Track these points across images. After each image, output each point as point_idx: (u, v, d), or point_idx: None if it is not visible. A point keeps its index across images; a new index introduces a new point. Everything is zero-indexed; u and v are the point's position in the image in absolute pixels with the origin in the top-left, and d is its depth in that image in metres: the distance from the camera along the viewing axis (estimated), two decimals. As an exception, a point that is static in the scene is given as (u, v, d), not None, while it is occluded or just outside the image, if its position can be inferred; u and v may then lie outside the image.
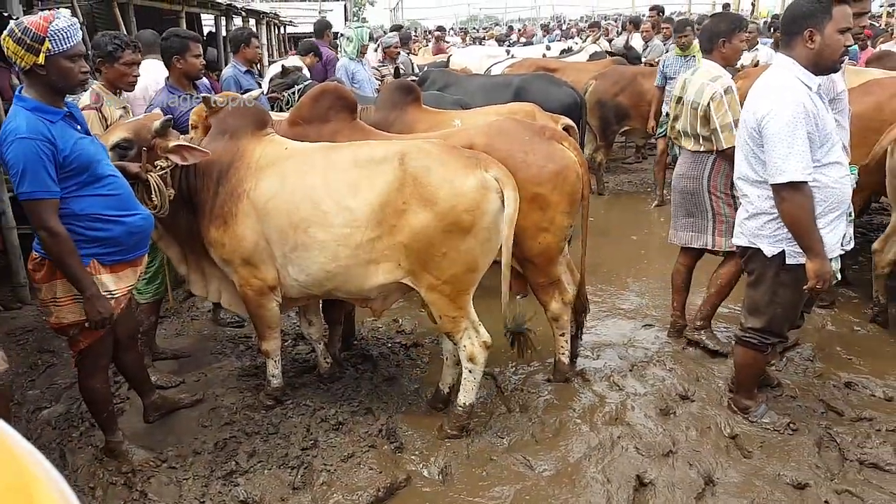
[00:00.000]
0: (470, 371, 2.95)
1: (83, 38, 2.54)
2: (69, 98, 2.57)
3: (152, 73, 4.17)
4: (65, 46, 2.35)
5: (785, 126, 2.48)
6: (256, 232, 2.95)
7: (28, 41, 2.32)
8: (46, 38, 2.32)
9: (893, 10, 15.88)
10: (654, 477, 2.66)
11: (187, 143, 2.93)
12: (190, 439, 3.02)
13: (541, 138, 3.13)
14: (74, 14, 6.11)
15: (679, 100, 3.73)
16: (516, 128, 3.19)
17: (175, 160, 2.91)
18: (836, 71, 2.62)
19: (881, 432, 2.90)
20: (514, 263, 3.01)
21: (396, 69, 6.18)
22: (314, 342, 3.56)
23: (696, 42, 6.00)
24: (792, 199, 2.51)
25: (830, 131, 2.57)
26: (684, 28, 6.54)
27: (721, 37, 3.53)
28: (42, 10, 5.33)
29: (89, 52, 3.30)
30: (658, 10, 9.91)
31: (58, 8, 6.33)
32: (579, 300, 3.47)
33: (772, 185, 2.56)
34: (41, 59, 2.33)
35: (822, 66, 2.57)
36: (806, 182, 2.50)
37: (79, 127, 2.52)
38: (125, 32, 5.62)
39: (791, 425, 2.92)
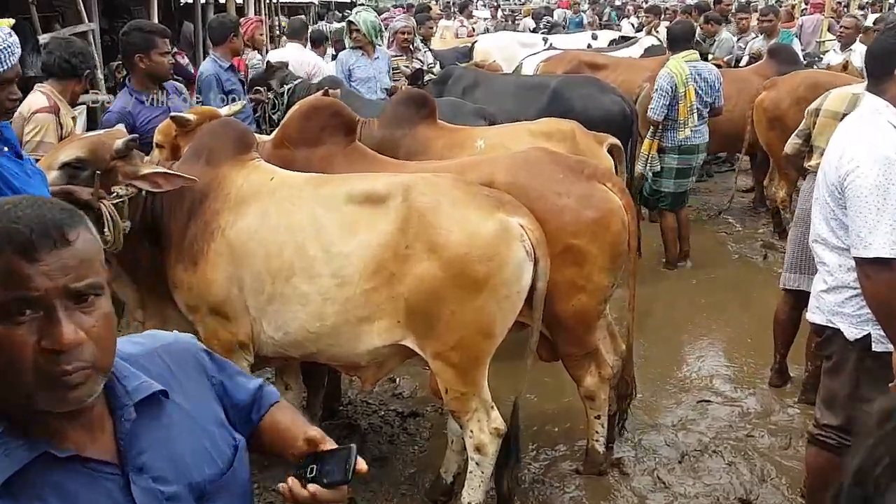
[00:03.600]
0: (477, 464, 2.97)
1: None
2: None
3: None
4: None
5: (874, 188, 2.50)
6: (229, 276, 3.00)
7: None
8: None
9: None
10: None
11: (165, 170, 2.99)
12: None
13: (578, 177, 3.17)
14: None
15: (816, 112, 3.73)
16: (548, 162, 3.23)
17: (144, 187, 2.97)
18: None
19: None
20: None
21: (417, 72, 6.17)
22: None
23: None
24: (878, 277, 2.52)
25: None
26: (768, 13, 6.59)
27: None
28: None
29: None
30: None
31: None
32: (623, 380, 3.49)
33: (854, 258, 2.57)
34: None
35: None
36: None
37: (5, 149, 2.59)
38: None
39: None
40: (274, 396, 1.52)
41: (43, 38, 6.19)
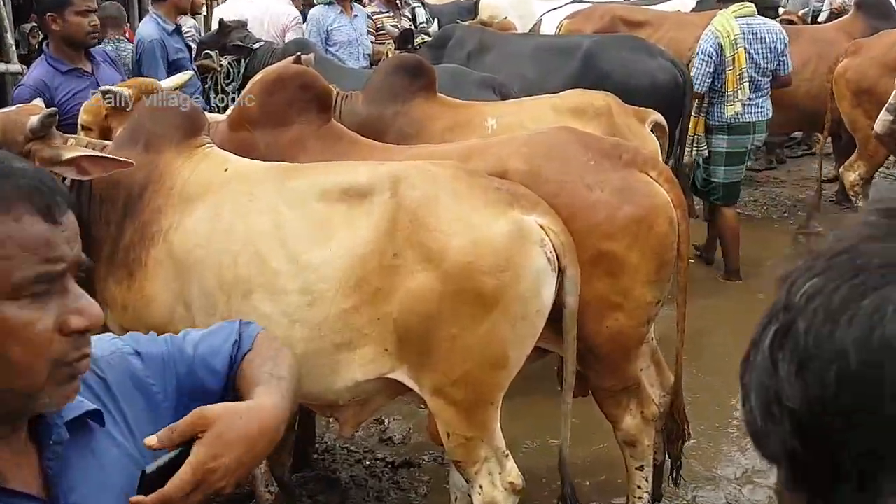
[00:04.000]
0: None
1: None
2: None
3: None
4: None
5: None
6: (173, 293, 3.01)
7: None
8: None
9: None
10: None
11: (93, 152, 2.98)
12: None
13: (613, 164, 3.17)
14: None
15: None
16: (575, 145, 3.24)
17: (66, 175, 2.97)
18: None
19: None
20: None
21: (407, 33, 6.18)
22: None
23: None
24: None
25: None
26: None
27: None
28: None
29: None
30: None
31: None
32: (673, 420, 3.48)
33: None
34: None
35: None
36: None
37: None
38: None
39: None
40: (245, 344, 1.47)
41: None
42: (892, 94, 4.36)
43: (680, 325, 3.44)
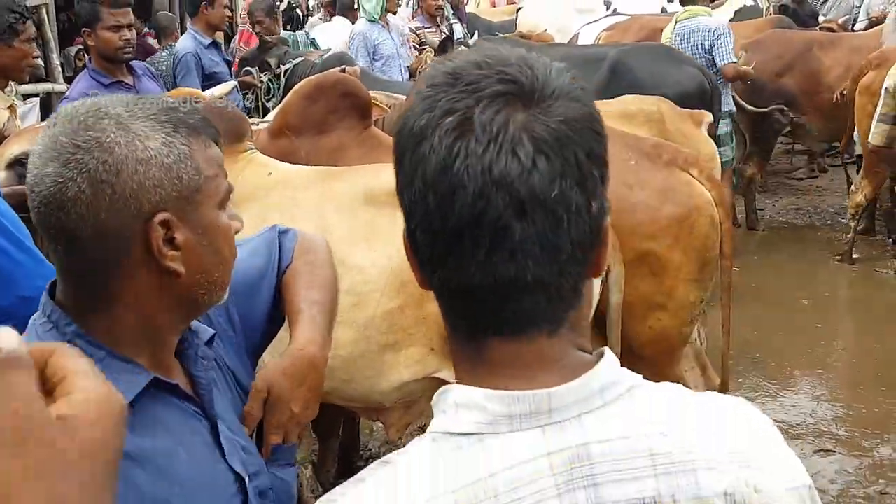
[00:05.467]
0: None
1: None
2: None
3: None
4: None
5: None
6: (218, 297, 3.06)
7: None
8: None
9: None
10: None
11: None
12: None
13: (654, 163, 3.19)
14: None
15: None
16: (615, 144, 3.21)
17: None
18: None
19: None
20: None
21: (446, 40, 6.26)
22: (297, 465, 3.63)
23: None
24: None
25: None
26: None
27: None
28: None
29: None
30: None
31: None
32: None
33: None
34: None
35: None
36: None
37: None
38: None
39: None
40: (286, 259, 1.62)
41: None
42: (881, 104, 4.25)
43: (725, 327, 3.43)
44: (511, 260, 0.83)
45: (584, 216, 0.85)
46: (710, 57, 6.26)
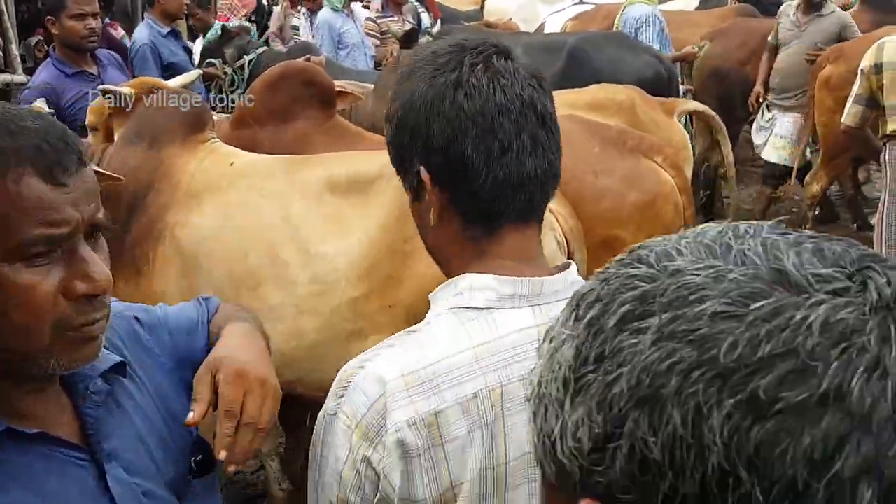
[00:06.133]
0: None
1: None
2: None
3: None
4: None
5: None
6: (181, 288, 3.01)
7: None
8: None
9: None
10: None
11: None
12: None
13: (619, 150, 3.19)
14: None
15: (878, 68, 3.78)
16: (580, 132, 3.26)
17: None
18: None
19: None
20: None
21: (411, 31, 6.23)
22: (264, 458, 3.60)
23: None
24: None
25: None
26: None
27: None
28: None
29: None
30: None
31: None
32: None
33: None
34: None
35: None
36: None
37: None
38: None
39: None
40: (212, 308, 1.48)
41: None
42: (856, 85, 4.29)
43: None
44: (534, 157, 1.20)
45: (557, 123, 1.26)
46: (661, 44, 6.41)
